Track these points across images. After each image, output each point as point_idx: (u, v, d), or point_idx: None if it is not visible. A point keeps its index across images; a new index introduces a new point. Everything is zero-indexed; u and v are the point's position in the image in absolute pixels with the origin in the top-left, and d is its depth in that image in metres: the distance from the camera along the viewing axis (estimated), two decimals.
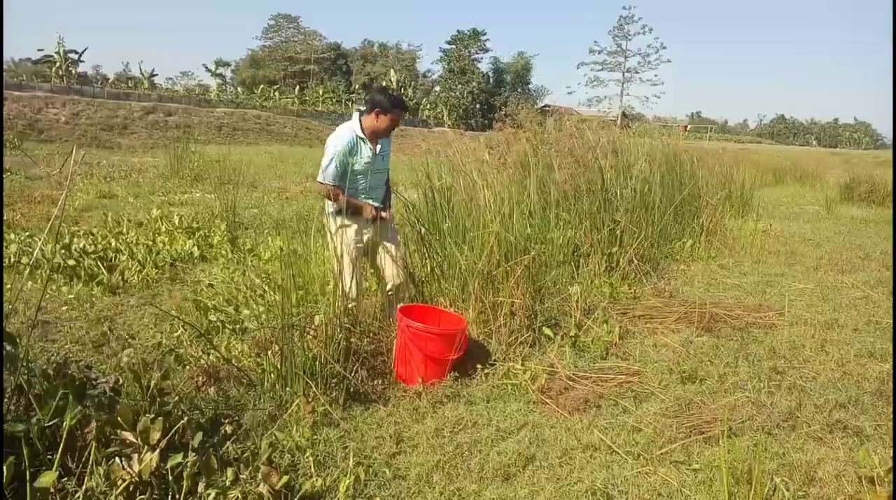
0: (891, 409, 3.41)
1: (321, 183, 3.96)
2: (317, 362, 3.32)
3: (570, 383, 3.70)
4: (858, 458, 2.74)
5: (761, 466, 2.54)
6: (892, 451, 2.79)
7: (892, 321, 5.03)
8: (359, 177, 4.03)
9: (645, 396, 3.60)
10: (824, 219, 11.49)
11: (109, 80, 50.40)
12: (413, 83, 68.54)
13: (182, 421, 2.45)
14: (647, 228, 6.43)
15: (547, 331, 4.31)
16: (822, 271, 6.88)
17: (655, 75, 73.45)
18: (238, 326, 4.22)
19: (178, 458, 2.24)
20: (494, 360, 3.95)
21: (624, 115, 58.62)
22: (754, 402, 3.48)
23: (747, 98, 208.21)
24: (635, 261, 6.03)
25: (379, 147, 4.11)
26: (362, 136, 4.00)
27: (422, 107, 63.34)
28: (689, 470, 2.79)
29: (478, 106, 64.86)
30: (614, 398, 3.53)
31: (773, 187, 17.96)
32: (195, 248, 6.36)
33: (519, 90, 70.46)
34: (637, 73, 67.51)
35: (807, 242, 8.71)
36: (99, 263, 5.43)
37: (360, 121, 4.03)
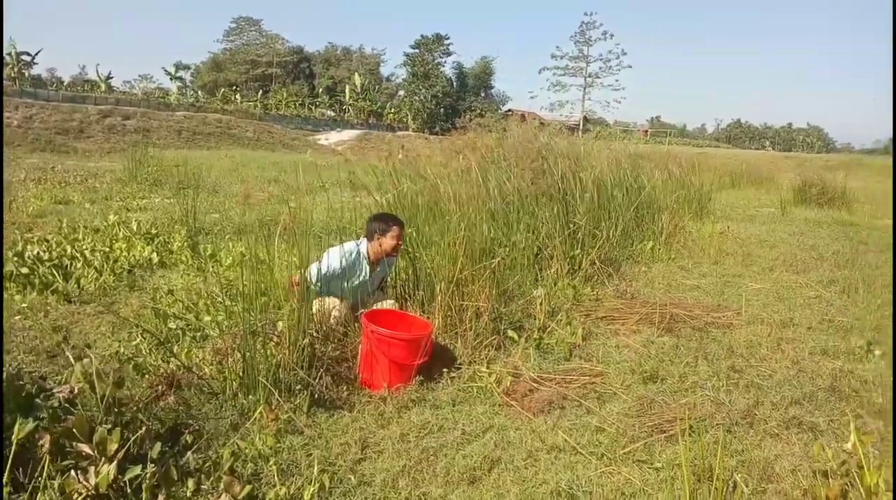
0: (843, 404, 3.52)
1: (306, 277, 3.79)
2: (280, 369, 3.28)
3: (535, 385, 3.72)
4: (813, 453, 2.82)
5: (721, 463, 2.60)
6: (849, 444, 2.88)
7: (844, 319, 5.20)
8: (341, 283, 4.23)
9: (608, 396, 3.65)
10: (779, 221, 11.80)
11: (65, 83, 49.00)
12: (377, 87, 68.37)
13: (140, 431, 2.40)
14: (607, 231, 6.52)
15: (512, 334, 4.34)
16: (777, 271, 7.07)
17: (616, 80, 74.62)
18: (199, 333, 4.15)
19: (137, 470, 2.20)
20: (460, 363, 3.96)
21: (586, 119, 59.50)
22: (713, 400, 3.55)
23: (705, 103, 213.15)
24: (597, 263, 6.11)
25: (378, 269, 4.38)
26: (368, 261, 4.28)
27: (386, 111, 63.22)
28: (651, 469, 2.84)
29: (442, 110, 64.99)
30: (578, 399, 3.57)
31: (730, 190, 18.38)
32: (154, 254, 6.23)
33: (482, 95, 70.92)
34: (598, 78, 68.66)
35: (763, 243, 8.93)
36: (54, 270, 5.28)
37: (367, 247, 4.27)
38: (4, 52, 37.14)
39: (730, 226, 9.85)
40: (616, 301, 5.48)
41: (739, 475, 2.73)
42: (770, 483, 2.73)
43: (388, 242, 4.22)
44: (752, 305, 5.57)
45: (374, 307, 4.21)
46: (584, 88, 69.29)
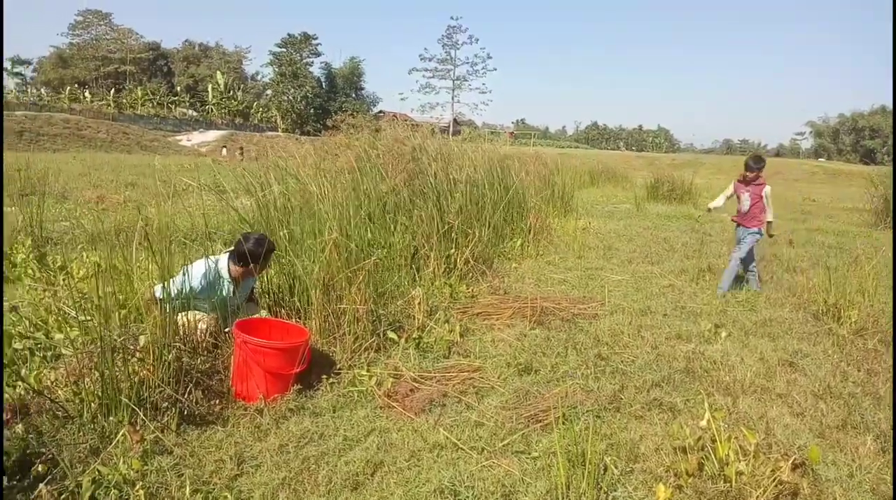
0: (697, 384, 3.84)
1: (156, 294, 3.60)
2: (144, 386, 3.07)
3: (416, 384, 3.75)
4: (673, 431, 3.05)
5: (593, 448, 2.74)
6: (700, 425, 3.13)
7: (694, 305, 5.67)
8: (207, 300, 3.96)
9: (486, 390, 3.74)
10: (634, 216, 12.68)
11: None
12: (242, 86, 65.89)
13: None
14: (479, 230, 6.69)
15: (391, 335, 4.33)
16: (634, 263, 7.59)
17: (483, 83, 77.54)
18: (50, 353, 3.78)
19: None
20: (340, 368, 3.90)
21: (456, 121, 60.84)
22: (583, 388, 3.74)
23: (566, 106, 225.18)
24: (471, 261, 6.25)
25: (243, 282, 4.14)
26: (229, 279, 3.99)
27: (253, 111, 61.14)
28: (529, 459, 2.94)
29: (312, 111, 63.82)
30: (458, 396, 3.63)
31: (590, 188, 19.54)
32: None
33: (353, 96, 70.48)
34: (466, 80, 70.49)
35: (621, 237, 9.56)
36: None
37: (228, 266, 3.98)
38: None
39: (591, 222, 10.48)
40: (490, 297, 5.64)
41: (609, 458, 2.89)
42: (637, 463, 2.92)
43: (254, 269, 4.01)
44: (613, 295, 5.93)
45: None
46: (453, 91, 70.95)
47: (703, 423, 2.84)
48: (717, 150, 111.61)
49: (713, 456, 2.71)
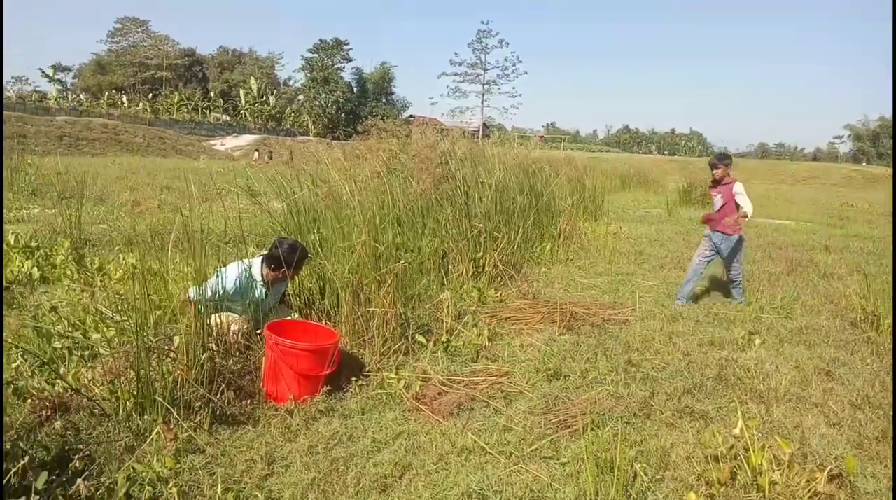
0: (730, 392, 3.78)
1: (190, 296, 3.67)
2: (178, 386, 3.13)
3: (444, 388, 3.75)
4: (704, 439, 3.00)
5: (622, 455, 2.71)
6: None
7: (727, 312, 5.57)
8: (240, 302, 4.03)
9: (514, 395, 3.73)
10: (666, 221, 12.53)
11: None
12: (275, 91, 66.84)
13: (23, 461, 2.22)
14: (508, 234, 6.68)
15: (420, 338, 4.35)
16: (666, 268, 7.50)
17: (513, 87, 77.57)
18: (88, 352, 3.88)
19: None
20: (369, 371, 3.92)
21: (485, 125, 60.84)
22: (613, 394, 3.71)
23: (596, 110, 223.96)
24: (500, 265, 6.24)
25: (276, 285, 4.21)
26: (262, 282, 4.08)
27: (285, 115, 61.98)
28: (557, 464, 2.92)
29: (343, 115, 64.48)
30: (486, 400, 3.62)
31: (621, 192, 19.36)
32: (34, 269, 5.78)
33: (383, 100, 70.99)
34: (496, 84, 70.46)
35: (652, 242, 9.45)
36: None
37: (261, 270, 4.07)
38: None
39: (622, 227, 10.37)
40: (519, 302, 5.62)
41: (639, 465, 2.86)
42: (667, 471, 2.88)
43: (287, 273, 4.08)
44: (644, 301, 5.86)
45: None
46: (483, 95, 70.97)
47: (736, 431, 2.79)
48: (752, 154, 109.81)
49: (746, 465, 2.67)
